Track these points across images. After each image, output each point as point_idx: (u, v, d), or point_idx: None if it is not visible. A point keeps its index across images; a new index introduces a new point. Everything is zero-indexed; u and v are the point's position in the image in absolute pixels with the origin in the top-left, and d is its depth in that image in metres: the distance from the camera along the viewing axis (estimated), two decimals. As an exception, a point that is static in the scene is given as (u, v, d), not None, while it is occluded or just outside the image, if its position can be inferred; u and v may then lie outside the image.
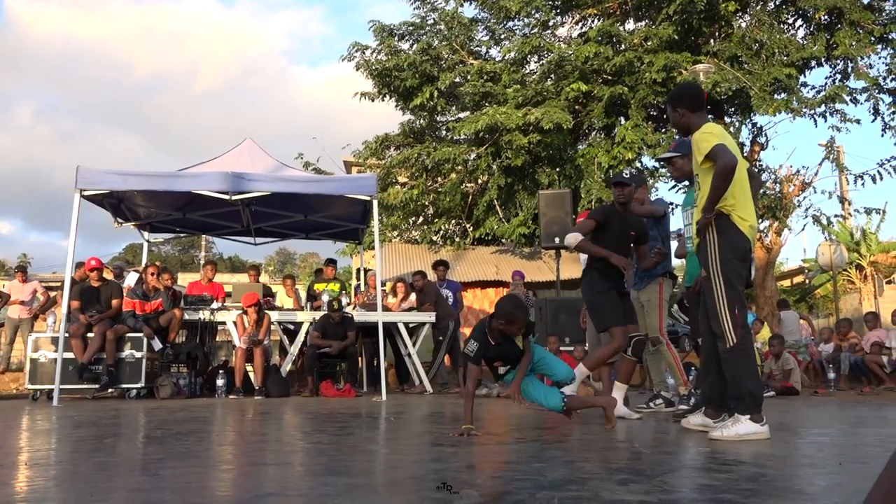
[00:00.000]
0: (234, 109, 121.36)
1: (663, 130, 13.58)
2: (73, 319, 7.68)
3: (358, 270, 10.64)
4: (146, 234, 10.12)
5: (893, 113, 13.01)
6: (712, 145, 3.48)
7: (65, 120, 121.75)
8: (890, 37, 12.69)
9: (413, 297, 9.58)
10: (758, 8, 13.19)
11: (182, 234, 11.68)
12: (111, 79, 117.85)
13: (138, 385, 7.68)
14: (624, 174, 4.86)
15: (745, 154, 13.35)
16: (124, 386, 7.72)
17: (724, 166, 3.43)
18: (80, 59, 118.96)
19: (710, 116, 3.90)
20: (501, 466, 2.64)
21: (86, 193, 7.33)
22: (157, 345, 7.88)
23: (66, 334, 7.35)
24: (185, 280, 15.85)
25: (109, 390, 7.81)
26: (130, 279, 8.82)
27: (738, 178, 3.54)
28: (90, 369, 7.53)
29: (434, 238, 15.75)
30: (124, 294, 8.18)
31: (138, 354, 7.71)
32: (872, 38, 12.49)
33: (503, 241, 15.25)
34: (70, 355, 7.44)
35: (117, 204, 8.95)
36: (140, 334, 7.77)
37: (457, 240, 15.64)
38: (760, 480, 2.27)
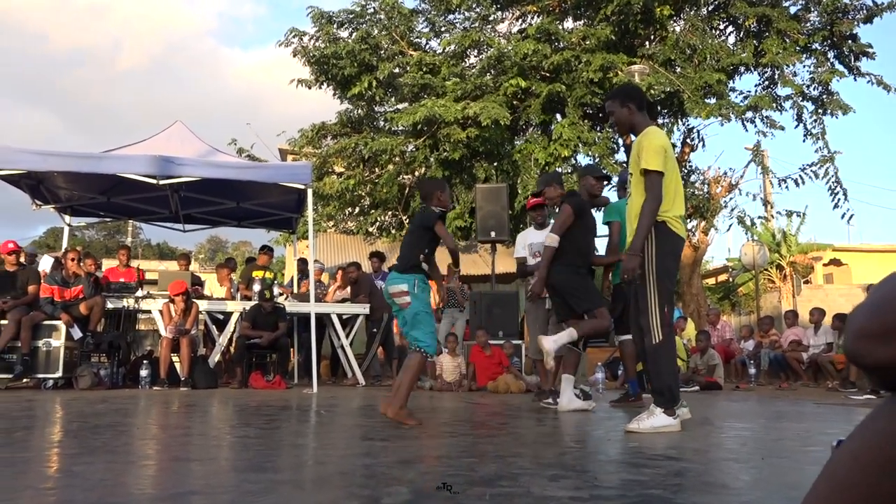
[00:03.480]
0: (160, 90, 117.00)
1: (599, 129, 13.81)
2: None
3: (300, 260, 10.42)
4: (67, 218, 9.66)
5: (815, 120, 13.57)
6: (655, 169, 3.59)
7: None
8: (813, 46, 13.22)
9: (348, 288, 9.48)
10: (691, 13, 13.54)
11: (107, 219, 11.20)
12: (23, 50, 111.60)
13: (55, 375, 7.35)
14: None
15: (676, 155, 13.70)
16: (40, 376, 7.37)
17: (652, 207, 3.57)
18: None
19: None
20: (433, 461, 2.61)
21: (1, 173, 6.95)
22: (77, 333, 7.54)
23: (-23, 321, 6.98)
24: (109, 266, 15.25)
25: (24, 380, 7.45)
26: (45, 263, 8.39)
27: (673, 175, 3.70)
28: (3, 358, 7.16)
29: (370, 229, 15.62)
30: (42, 280, 7.80)
31: (56, 343, 7.37)
32: (798, 47, 12.98)
33: (439, 234, 15.22)
34: (-20, 343, 7.07)
35: (36, 185, 8.51)
36: (58, 322, 7.43)
37: (393, 231, 15.54)
38: (687, 475, 2.30)
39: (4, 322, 7.24)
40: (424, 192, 4.32)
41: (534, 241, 5.88)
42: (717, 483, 2.19)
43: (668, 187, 3.63)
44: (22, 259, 8.11)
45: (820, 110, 13.35)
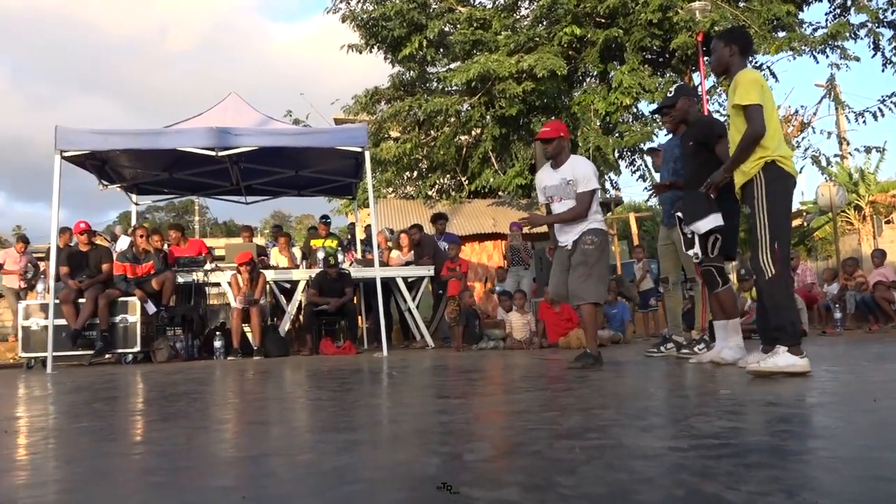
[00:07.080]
0: (210, 69, 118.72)
1: (660, 74, 13.26)
2: (63, 285, 7.51)
3: (366, 227, 10.41)
4: (134, 197, 9.86)
5: (895, 48, 12.70)
6: (752, 102, 3.51)
7: (38, 85, 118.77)
8: (893, -35, 12.31)
9: (411, 251, 9.42)
10: (755, -59, 12.75)
11: (173, 197, 11.40)
12: (80, 41, 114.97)
13: (134, 349, 7.54)
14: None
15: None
16: (120, 351, 7.58)
17: (752, 134, 3.50)
18: (45, 22, 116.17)
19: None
20: (512, 416, 2.48)
21: (66, 154, 7.07)
22: (151, 308, 7.71)
23: (57, 300, 7.18)
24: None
25: (106, 356, 7.68)
26: (122, 243, 8.60)
27: (774, 114, 3.61)
28: (84, 335, 7.38)
29: (429, 192, 15.51)
30: (114, 257, 7.99)
31: (132, 318, 7.55)
32: (874, -31, 12.12)
33: (500, 193, 15.01)
34: (62, 322, 7.29)
35: (101, 166, 8.67)
36: (133, 298, 7.60)
37: (452, 193, 15.40)
38: (793, 421, 2.11)
39: (82, 301, 7.44)
40: None
41: (548, 183, 4.79)
42: (830, 427, 1.99)
43: (770, 123, 3.52)
44: (95, 239, 8.32)
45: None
